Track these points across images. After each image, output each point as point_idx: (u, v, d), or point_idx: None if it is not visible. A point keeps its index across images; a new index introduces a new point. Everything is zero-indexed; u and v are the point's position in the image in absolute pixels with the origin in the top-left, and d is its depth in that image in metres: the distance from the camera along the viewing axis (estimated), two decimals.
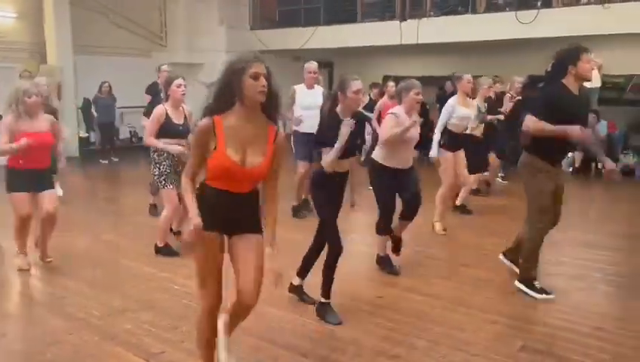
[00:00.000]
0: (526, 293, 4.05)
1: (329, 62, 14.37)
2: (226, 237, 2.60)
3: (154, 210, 6.42)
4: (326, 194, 3.60)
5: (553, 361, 3.14)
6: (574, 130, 3.74)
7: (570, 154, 9.89)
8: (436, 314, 3.76)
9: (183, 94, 4.78)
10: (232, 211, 2.54)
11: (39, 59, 11.48)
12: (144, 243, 5.14)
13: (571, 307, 3.92)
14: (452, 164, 5.69)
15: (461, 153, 5.85)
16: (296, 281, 3.89)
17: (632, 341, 3.38)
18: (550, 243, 4.83)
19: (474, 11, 10.66)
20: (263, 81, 2.43)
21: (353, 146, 3.63)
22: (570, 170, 10.02)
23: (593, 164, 9.81)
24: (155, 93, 6.82)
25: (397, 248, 4.61)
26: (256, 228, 2.63)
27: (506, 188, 8.33)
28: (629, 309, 3.94)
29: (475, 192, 7.31)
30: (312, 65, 6.33)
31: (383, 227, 4.50)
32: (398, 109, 4.40)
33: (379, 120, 6.86)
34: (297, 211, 6.36)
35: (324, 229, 3.64)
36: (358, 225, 5.67)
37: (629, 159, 9.91)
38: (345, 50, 12.60)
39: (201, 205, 2.50)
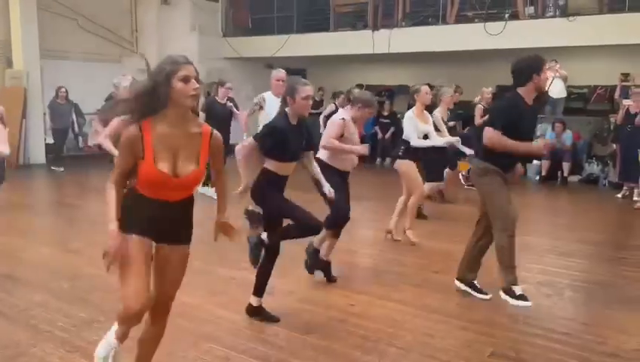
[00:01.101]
0: (514, 304, 4.08)
1: (302, 70, 14.41)
2: (153, 244, 2.46)
3: None
4: (271, 197, 3.61)
5: None
6: (538, 148, 3.91)
7: (536, 162, 10.12)
8: (407, 321, 3.77)
9: None
10: (163, 220, 2.42)
11: (5, 63, 11.21)
12: None
13: (539, 313, 3.99)
14: (416, 170, 5.67)
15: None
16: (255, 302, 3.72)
17: (599, 346, 3.45)
18: (517, 250, 4.92)
19: (444, 22, 10.85)
20: (194, 83, 2.31)
21: (299, 151, 3.70)
22: (538, 178, 10.24)
23: (559, 172, 10.05)
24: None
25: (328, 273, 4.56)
26: (186, 239, 2.51)
27: (476, 195, 8.44)
28: (596, 315, 4.03)
29: (427, 198, 7.39)
30: (281, 73, 6.27)
31: (332, 223, 4.44)
32: (348, 116, 4.49)
33: None
34: None
35: (268, 231, 3.64)
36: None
37: (593, 168, 10.18)
38: (318, 58, 12.68)
39: (132, 211, 2.39)
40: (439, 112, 6.61)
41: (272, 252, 3.66)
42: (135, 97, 2.36)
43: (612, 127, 9.73)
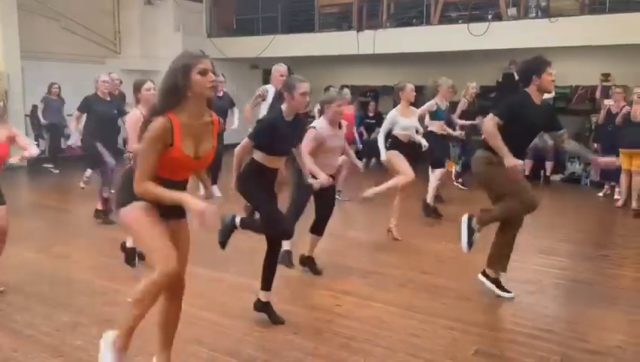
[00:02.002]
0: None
1: None
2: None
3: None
4: (260, 186, 3.67)
5: None
6: (511, 163, 3.91)
7: (520, 162, 10.21)
8: (393, 322, 3.79)
9: (154, 95, 4.75)
10: None
11: None
12: (97, 256, 4.99)
13: (522, 310, 4.04)
14: (402, 158, 5.66)
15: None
16: (263, 297, 3.72)
17: (580, 343, 3.50)
18: None
19: (428, 23, 10.93)
20: (211, 76, 2.53)
21: (289, 147, 3.78)
22: None
23: (542, 172, 10.16)
24: (88, 110, 6.50)
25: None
26: (185, 213, 2.73)
27: (464, 195, 8.52)
28: (578, 312, 4.09)
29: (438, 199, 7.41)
30: (282, 67, 6.45)
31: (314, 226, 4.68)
32: (322, 122, 4.50)
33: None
34: None
35: (262, 217, 3.71)
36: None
37: (575, 167, 10.31)
38: (303, 59, 12.66)
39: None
40: (436, 100, 6.63)
41: (273, 242, 3.68)
42: (163, 93, 2.55)
43: (593, 126, 9.86)
